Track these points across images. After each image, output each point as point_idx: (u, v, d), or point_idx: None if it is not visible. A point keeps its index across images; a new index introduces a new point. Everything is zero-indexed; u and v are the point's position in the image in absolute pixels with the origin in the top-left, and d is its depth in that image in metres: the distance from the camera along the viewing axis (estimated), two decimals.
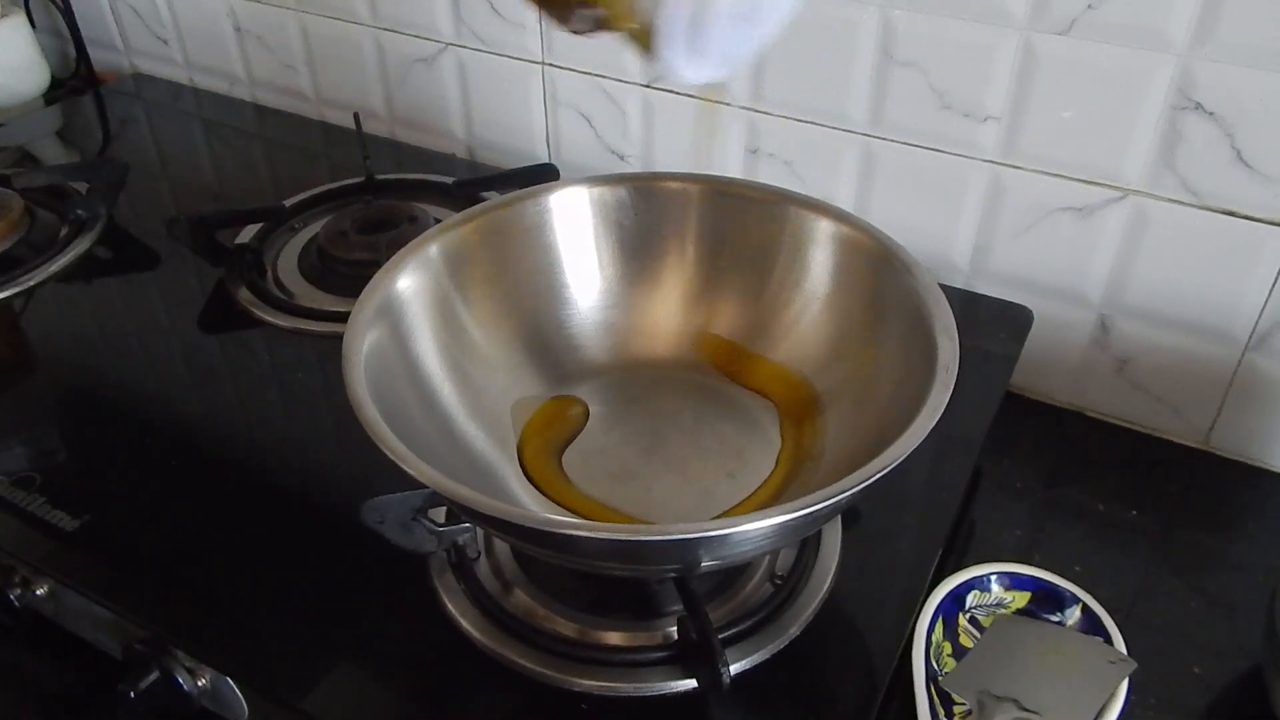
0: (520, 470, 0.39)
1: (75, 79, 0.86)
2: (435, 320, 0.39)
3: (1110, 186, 0.48)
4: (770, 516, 0.28)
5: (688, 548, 0.29)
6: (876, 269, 0.38)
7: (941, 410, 0.30)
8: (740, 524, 0.28)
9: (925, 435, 0.30)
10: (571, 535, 0.28)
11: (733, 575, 0.38)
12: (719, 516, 0.37)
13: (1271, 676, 0.37)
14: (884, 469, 0.29)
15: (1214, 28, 0.42)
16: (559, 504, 0.38)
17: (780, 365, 0.42)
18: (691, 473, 0.40)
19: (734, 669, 0.34)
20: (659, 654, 0.35)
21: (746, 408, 0.42)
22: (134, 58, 0.84)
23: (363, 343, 0.34)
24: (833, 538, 0.40)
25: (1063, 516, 0.47)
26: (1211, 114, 0.44)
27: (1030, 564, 0.42)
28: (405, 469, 0.29)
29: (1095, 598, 0.41)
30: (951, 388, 0.31)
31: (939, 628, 0.40)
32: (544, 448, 0.40)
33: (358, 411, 0.31)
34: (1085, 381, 0.53)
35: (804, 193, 0.42)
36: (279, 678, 0.36)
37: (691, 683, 0.35)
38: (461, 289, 0.41)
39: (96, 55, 0.86)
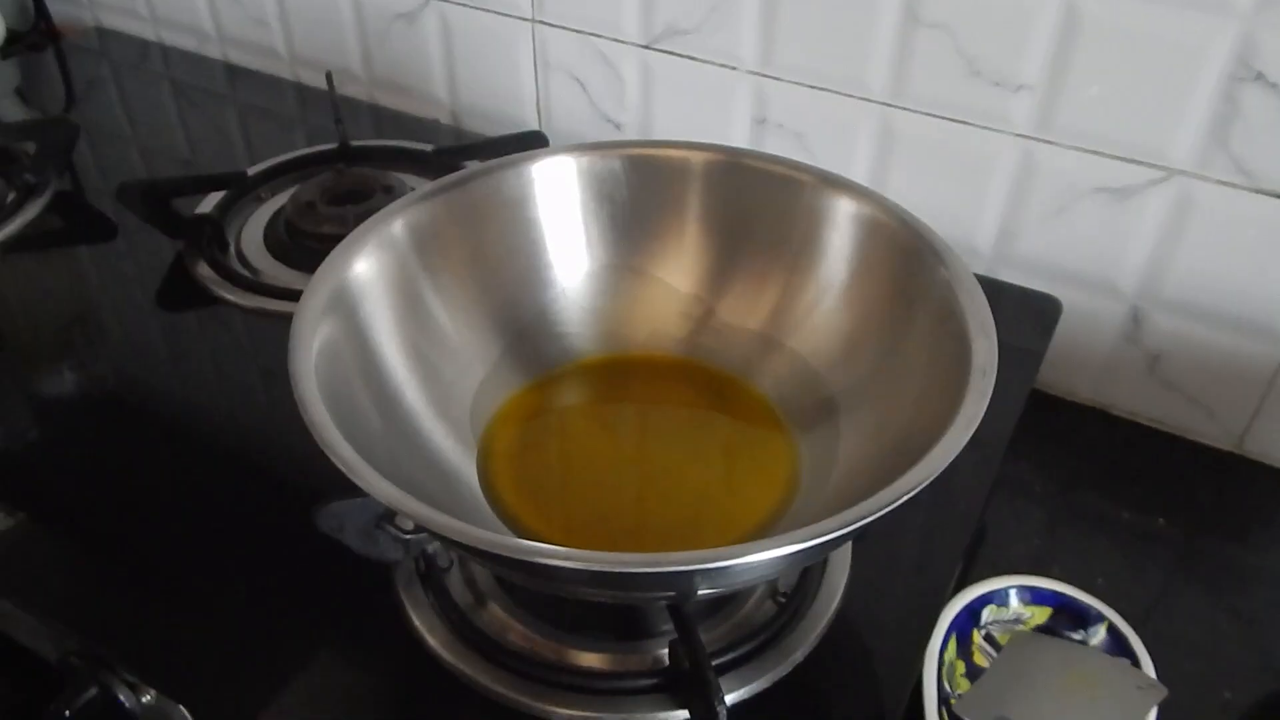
0: (481, 476, 0.35)
1: (34, 33, 0.81)
2: (399, 308, 0.35)
3: (1154, 166, 0.44)
4: (774, 547, 0.24)
5: (681, 578, 0.26)
6: (903, 256, 0.35)
7: (977, 423, 0.27)
8: (740, 555, 0.24)
9: (959, 451, 0.26)
10: (549, 565, 0.25)
11: (732, 593, 0.35)
12: (717, 535, 0.34)
13: None
14: (911, 490, 0.25)
15: None
16: (526, 520, 0.34)
17: (790, 361, 0.38)
18: (687, 480, 0.37)
19: (731, 699, 0.32)
20: (647, 681, 0.33)
21: (750, 408, 0.39)
22: (97, 11, 0.80)
23: (313, 335, 0.30)
24: (842, 552, 0.37)
25: (1083, 524, 0.44)
26: (1274, 85, 0.40)
27: (1048, 575, 0.40)
28: (358, 483, 0.26)
29: (1119, 612, 0.38)
30: (989, 396, 0.28)
31: (952, 645, 0.37)
32: (516, 450, 0.37)
33: (304, 413, 0.28)
34: (1112, 378, 0.50)
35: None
36: (228, 700, 0.33)
37: (683, 714, 0.32)
38: (430, 271, 0.37)
39: (57, 8, 0.81)
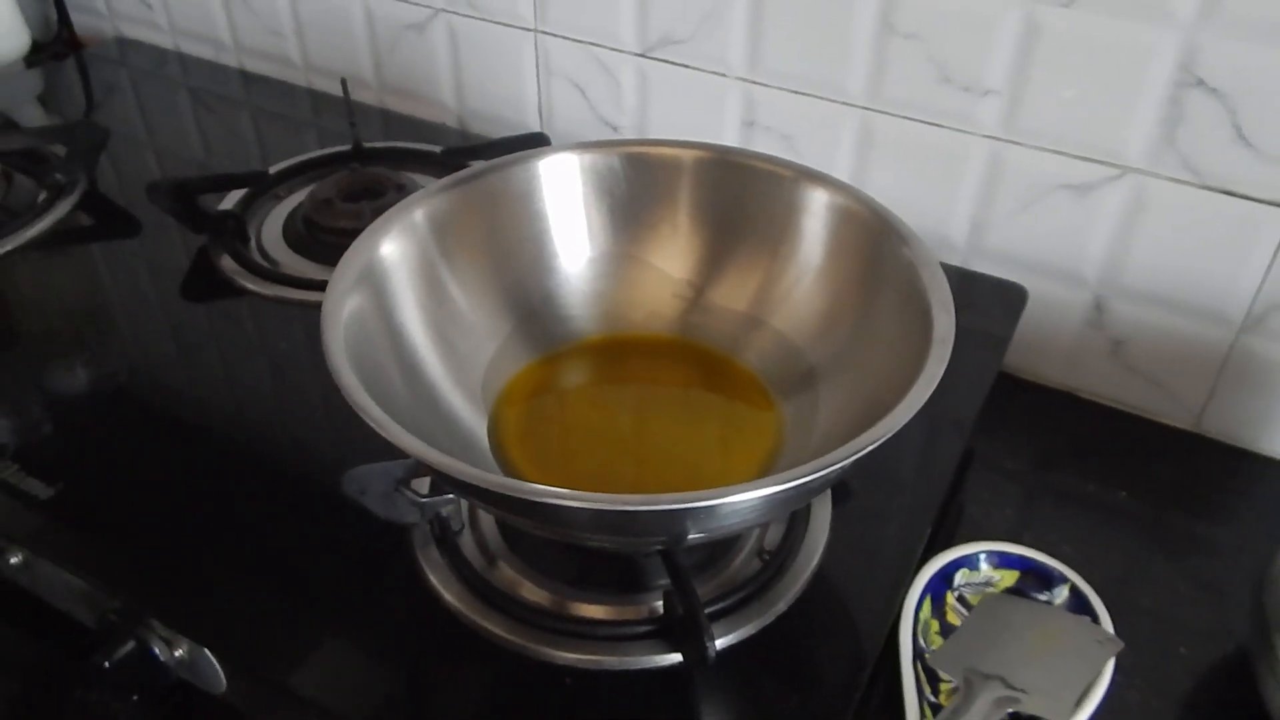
0: (492, 441, 0.38)
1: (57, 43, 0.83)
2: (419, 287, 0.38)
3: (1110, 164, 0.47)
4: (759, 488, 0.27)
5: (674, 519, 0.29)
6: (872, 240, 0.38)
7: (936, 383, 0.30)
8: (728, 495, 0.27)
9: (919, 408, 0.29)
10: (555, 505, 0.28)
11: (720, 550, 0.38)
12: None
13: (1257, 659, 0.37)
14: (875, 441, 0.28)
15: (1222, 1, 0.41)
16: (533, 477, 0.37)
17: (773, 336, 0.41)
18: (680, 446, 0.39)
19: (720, 644, 0.34)
20: (644, 628, 0.35)
21: (738, 380, 0.41)
22: (118, 22, 0.82)
23: (343, 308, 0.33)
24: (822, 514, 0.40)
25: (1053, 498, 0.47)
26: (1214, 90, 0.43)
27: (1020, 544, 0.42)
28: (385, 436, 0.29)
29: (1084, 578, 0.40)
30: (946, 361, 0.31)
31: (926, 605, 0.40)
32: (524, 420, 0.40)
33: (337, 378, 0.31)
34: (1078, 362, 0.52)
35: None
36: (256, 649, 0.36)
37: (676, 657, 0.34)
38: (447, 256, 0.40)
39: (79, 19, 0.84)
